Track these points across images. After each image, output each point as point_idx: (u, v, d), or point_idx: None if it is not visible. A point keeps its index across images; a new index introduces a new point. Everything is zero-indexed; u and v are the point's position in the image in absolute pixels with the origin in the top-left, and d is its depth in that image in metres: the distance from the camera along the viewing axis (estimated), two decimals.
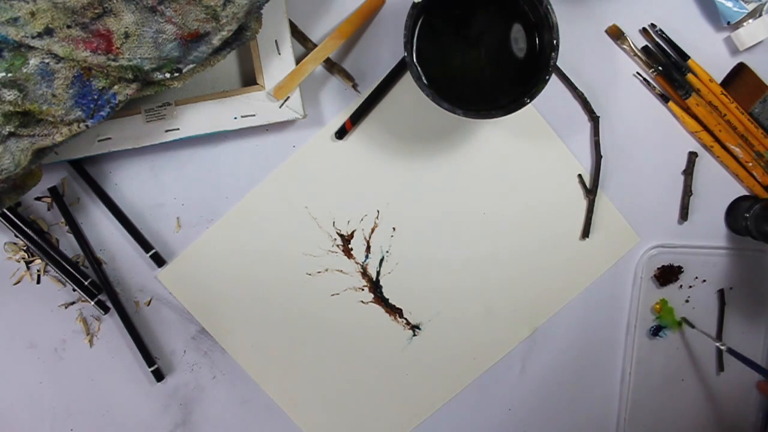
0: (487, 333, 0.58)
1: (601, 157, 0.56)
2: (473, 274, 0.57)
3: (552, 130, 0.56)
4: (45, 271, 0.54)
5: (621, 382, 0.60)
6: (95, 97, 0.42)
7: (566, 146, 0.56)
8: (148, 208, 0.54)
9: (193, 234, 0.55)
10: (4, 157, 0.41)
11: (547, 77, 0.47)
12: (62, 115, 0.41)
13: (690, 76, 0.55)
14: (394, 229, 0.56)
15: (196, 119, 0.50)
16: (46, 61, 0.40)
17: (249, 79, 0.53)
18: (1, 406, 0.55)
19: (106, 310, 0.54)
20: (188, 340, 0.56)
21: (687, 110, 0.56)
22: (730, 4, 0.53)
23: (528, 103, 0.47)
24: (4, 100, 0.40)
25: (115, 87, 0.42)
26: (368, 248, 0.56)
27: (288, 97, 0.51)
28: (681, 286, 0.59)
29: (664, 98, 0.56)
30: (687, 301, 0.59)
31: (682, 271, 0.59)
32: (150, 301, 0.55)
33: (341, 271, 0.56)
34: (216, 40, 0.43)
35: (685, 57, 0.55)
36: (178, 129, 0.50)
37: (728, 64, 0.56)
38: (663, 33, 0.55)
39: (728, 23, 0.54)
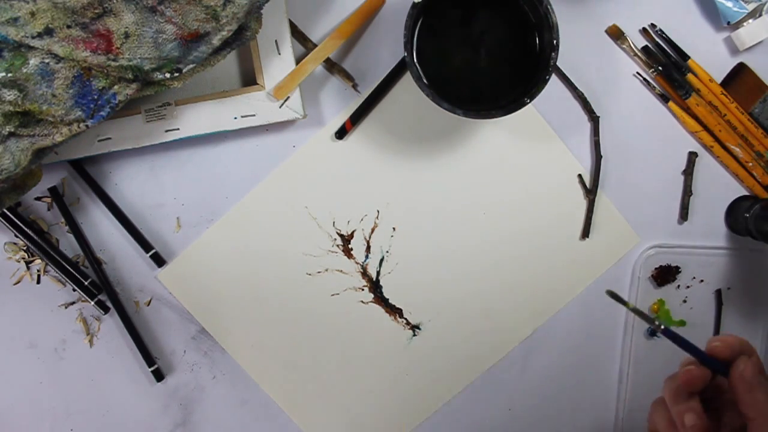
0: (487, 333, 0.58)
1: (601, 157, 0.56)
2: (473, 274, 0.57)
3: (552, 130, 0.56)
4: (45, 271, 0.54)
5: (619, 382, 0.60)
6: (95, 97, 0.42)
7: (566, 146, 0.56)
8: (148, 208, 0.54)
9: (193, 234, 0.55)
10: (4, 157, 0.41)
11: (547, 77, 0.47)
12: (62, 115, 0.41)
13: (690, 76, 0.55)
14: (394, 229, 0.56)
15: (196, 119, 0.50)
16: (46, 61, 0.40)
17: (249, 79, 0.53)
18: (1, 406, 0.55)
19: (106, 310, 0.54)
20: (188, 340, 0.56)
21: (687, 110, 0.56)
22: (730, 4, 0.53)
23: (528, 103, 0.47)
24: (4, 100, 0.40)
25: (115, 87, 0.42)
26: (368, 248, 0.56)
27: (288, 97, 0.51)
28: (678, 286, 0.59)
29: (664, 98, 0.56)
30: (684, 301, 0.60)
31: (680, 272, 0.59)
32: (150, 301, 0.55)
33: (341, 271, 0.56)
34: (216, 40, 0.43)
35: (685, 57, 0.55)
36: (178, 129, 0.50)
37: (728, 64, 0.56)
38: (663, 33, 0.55)
39: (728, 23, 0.54)
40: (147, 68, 0.42)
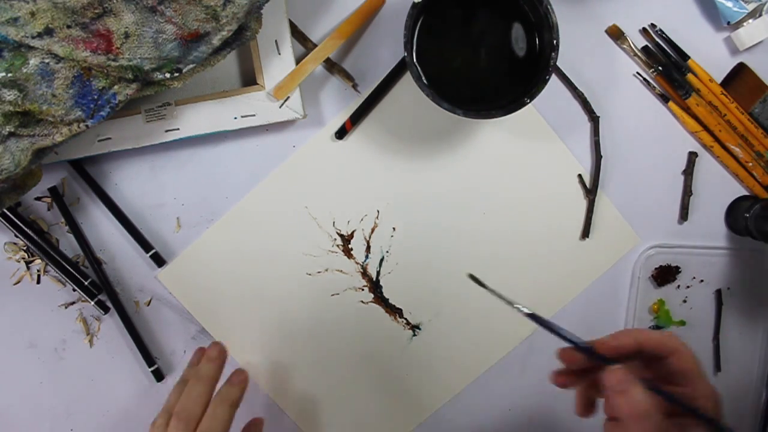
0: (487, 333, 0.58)
1: (601, 157, 0.56)
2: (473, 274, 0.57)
3: (552, 130, 0.56)
4: (45, 271, 0.54)
5: None
6: (95, 97, 0.42)
7: (566, 146, 0.56)
8: (148, 208, 0.54)
9: (193, 234, 0.55)
10: (4, 157, 0.41)
11: (547, 77, 0.47)
12: (62, 115, 0.41)
13: (690, 76, 0.55)
14: (394, 229, 0.56)
15: (196, 119, 0.50)
16: (46, 61, 0.40)
17: (249, 79, 0.53)
18: (1, 406, 0.55)
19: (106, 310, 0.54)
20: (188, 340, 0.56)
21: (687, 110, 0.56)
22: (730, 4, 0.53)
23: (528, 103, 0.47)
24: (4, 100, 0.40)
25: (115, 87, 0.42)
26: (368, 248, 0.56)
27: (288, 97, 0.51)
28: (678, 286, 0.59)
29: (664, 98, 0.56)
30: (684, 301, 0.60)
31: (680, 272, 0.59)
32: (150, 301, 0.55)
33: (341, 271, 0.56)
34: (216, 40, 0.43)
35: (685, 57, 0.55)
36: (178, 129, 0.50)
37: (728, 64, 0.56)
38: (663, 33, 0.55)
39: (728, 23, 0.54)
40: (147, 68, 0.42)
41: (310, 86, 0.54)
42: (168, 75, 0.43)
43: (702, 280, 0.59)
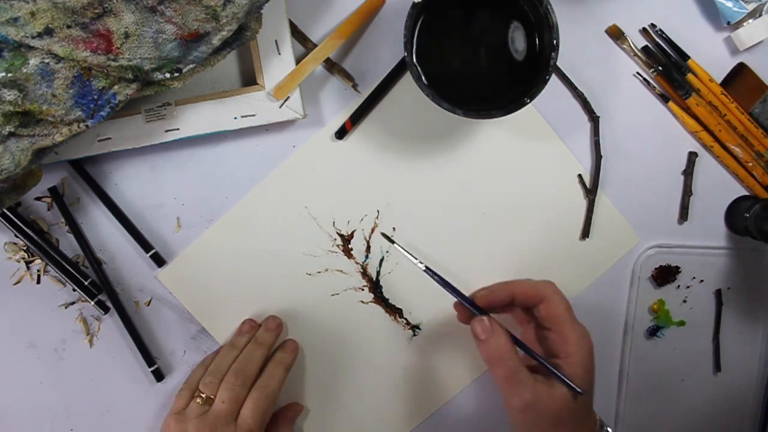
0: None
1: (601, 157, 0.56)
2: (473, 274, 0.57)
3: (552, 130, 0.56)
4: (45, 271, 0.54)
5: (619, 382, 0.60)
6: (95, 97, 0.42)
7: (566, 146, 0.56)
8: (148, 208, 0.54)
9: (193, 234, 0.55)
10: (4, 157, 0.41)
11: (547, 77, 0.47)
12: (62, 115, 0.41)
13: (690, 76, 0.55)
14: (394, 229, 0.56)
15: (196, 119, 0.50)
16: (46, 61, 0.40)
17: (249, 79, 0.53)
18: (1, 406, 0.55)
19: (106, 310, 0.54)
20: (188, 340, 0.56)
21: (687, 110, 0.56)
22: (730, 4, 0.53)
23: (528, 103, 0.47)
24: (4, 100, 0.40)
25: (115, 87, 0.42)
26: (368, 248, 0.56)
27: (288, 97, 0.51)
28: (678, 286, 0.59)
29: (664, 98, 0.56)
30: (684, 301, 0.60)
31: (680, 272, 0.59)
32: (150, 301, 0.55)
33: (341, 271, 0.56)
34: (216, 40, 0.43)
35: (685, 57, 0.55)
36: (178, 129, 0.50)
37: (728, 64, 0.56)
38: (663, 33, 0.55)
39: (728, 23, 0.54)
40: (147, 68, 0.42)
41: (310, 86, 0.54)
42: (168, 75, 0.43)
43: (702, 280, 0.59)
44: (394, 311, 0.57)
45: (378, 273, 0.57)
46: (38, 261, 0.54)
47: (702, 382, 0.61)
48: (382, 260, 0.56)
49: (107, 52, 0.40)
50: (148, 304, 0.55)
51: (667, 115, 0.57)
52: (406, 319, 0.57)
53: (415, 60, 0.48)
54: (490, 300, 0.48)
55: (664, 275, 0.58)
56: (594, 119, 0.56)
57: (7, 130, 0.41)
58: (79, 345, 0.55)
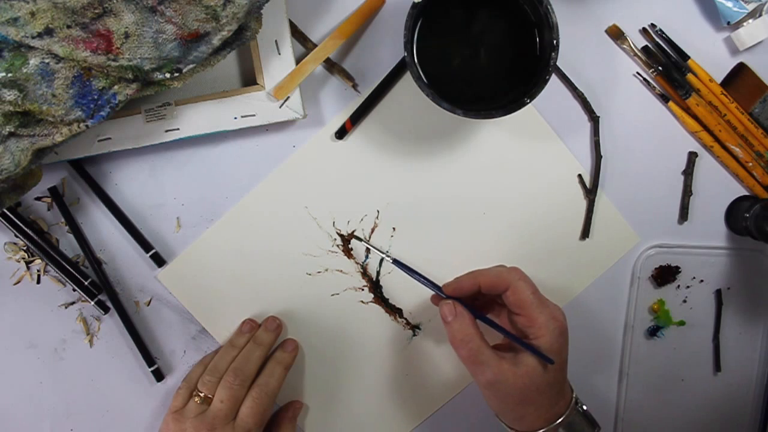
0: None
1: (601, 157, 0.56)
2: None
3: (552, 130, 0.56)
4: (45, 271, 0.54)
5: (619, 382, 0.60)
6: (95, 97, 0.42)
7: (566, 146, 0.56)
8: (148, 208, 0.54)
9: (193, 234, 0.55)
10: (4, 157, 0.41)
11: (547, 77, 0.47)
12: (62, 115, 0.41)
13: (690, 76, 0.55)
14: (394, 229, 0.56)
15: (196, 119, 0.50)
16: (46, 61, 0.40)
17: (249, 79, 0.53)
18: (1, 406, 0.55)
19: (106, 310, 0.54)
20: (188, 340, 0.56)
21: (687, 110, 0.56)
22: (730, 4, 0.53)
23: (528, 103, 0.47)
24: (4, 100, 0.40)
25: (115, 87, 0.42)
26: (368, 248, 0.56)
27: (288, 97, 0.51)
28: (678, 286, 0.59)
29: (664, 98, 0.56)
30: (684, 301, 0.60)
31: (680, 272, 0.59)
32: (150, 301, 0.55)
33: (341, 271, 0.56)
34: (216, 40, 0.43)
35: (685, 57, 0.55)
36: (178, 129, 0.50)
37: (728, 64, 0.56)
38: (663, 33, 0.55)
39: (728, 23, 0.54)
40: (147, 68, 0.42)
41: (310, 86, 0.54)
42: (168, 75, 0.43)
43: (702, 280, 0.59)
44: (394, 311, 0.57)
45: (378, 273, 0.57)
46: (38, 261, 0.54)
47: (702, 382, 0.61)
48: (382, 260, 0.56)
49: (107, 52, 0.40)
50: (148, 304, 0.55)
51: (667, 115, 0.57)
52: (406, 319, 0.57)
53: (415, 60, 0.48)
54: (456, 289, 0.49)
55: (664, 275, 0.58)
56: (594, 119, 0.56)
57: (7, 130, 0.41)
58: (79, 345, 0.55)
